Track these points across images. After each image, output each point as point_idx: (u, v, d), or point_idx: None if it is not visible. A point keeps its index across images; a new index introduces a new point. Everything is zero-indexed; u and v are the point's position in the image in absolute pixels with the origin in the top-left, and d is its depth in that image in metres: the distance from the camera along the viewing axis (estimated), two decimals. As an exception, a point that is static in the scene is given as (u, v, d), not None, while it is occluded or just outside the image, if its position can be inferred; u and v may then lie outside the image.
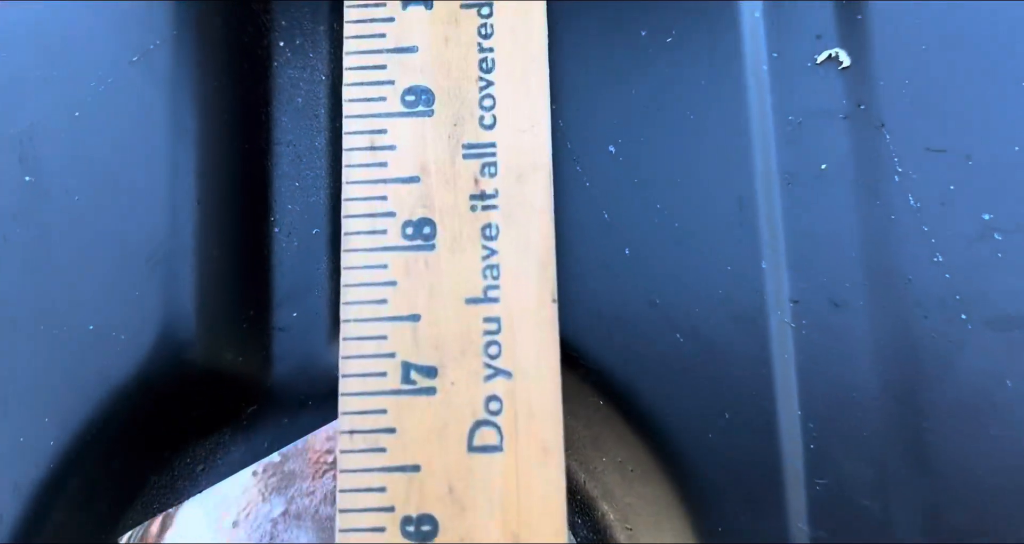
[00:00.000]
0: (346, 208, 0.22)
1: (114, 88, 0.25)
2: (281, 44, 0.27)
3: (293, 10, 0.27)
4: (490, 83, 0.23)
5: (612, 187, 0.24)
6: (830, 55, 0.24)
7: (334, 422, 0.23)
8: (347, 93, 0.23)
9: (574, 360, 0.23)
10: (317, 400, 0.25)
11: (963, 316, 0.23)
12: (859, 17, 0.24)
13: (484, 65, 0.23)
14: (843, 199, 0.23)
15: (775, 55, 0.24)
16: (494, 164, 0.22)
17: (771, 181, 0.24)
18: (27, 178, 0.24)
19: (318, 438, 0.23)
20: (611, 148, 0.24)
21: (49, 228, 0.24)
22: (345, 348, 0.21)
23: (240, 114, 0.26)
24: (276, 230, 0.26)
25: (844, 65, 0.24)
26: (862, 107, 0.24)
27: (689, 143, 0.24)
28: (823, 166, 0.24)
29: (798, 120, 0.24)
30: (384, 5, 0.23)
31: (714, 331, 0.23)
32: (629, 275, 0.23)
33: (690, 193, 0.24)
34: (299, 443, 0.23)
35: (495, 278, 0.21)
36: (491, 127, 0.22)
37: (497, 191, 0.22)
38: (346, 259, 0.22)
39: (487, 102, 0.22)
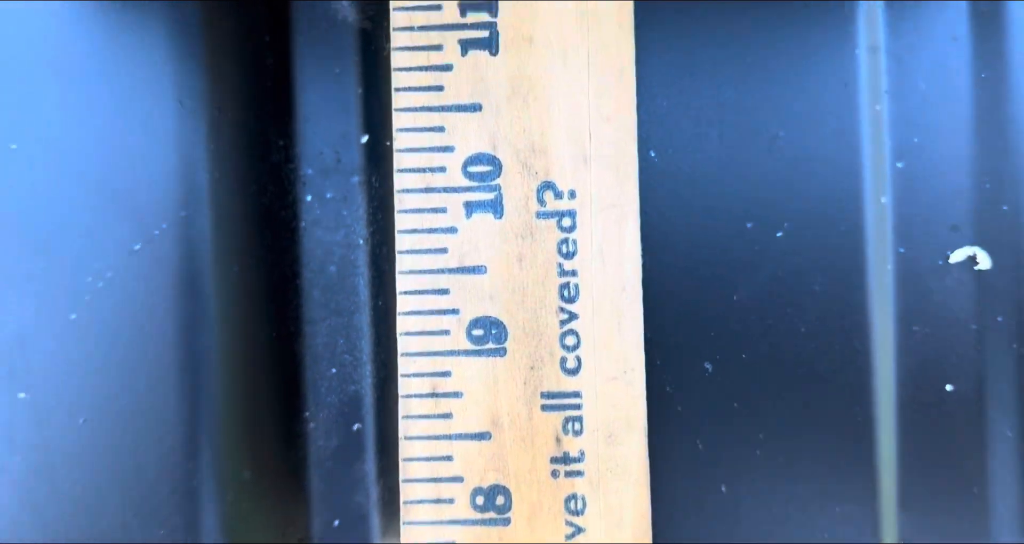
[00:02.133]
0: (404, 471, 0.19)
1: (114, 284, 0.21)
2: (308, 198, 0.22)
3: (320, 154, 0.22)
4: (573, 316, 0.19)
5: (707, 412, 0.21)
6: (968, 254, 0.20)
7: None
8: (402, 324, 0.19)
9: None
10: (365, 616, 0.23)
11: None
12: (1004, 208, 0.20)
13: (566, 293, 0.19)
14: (968, 428, 0.21)
15: (902, 250, 0.21)
16: (579, 419, 0.19)
17: (890, 405, 0.21)
18: (21, 395, 0.21)
19: None
20: (707, 366, 0.21)
21: (51, 454, 0.21)
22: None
23: (267, 297, 0.22)
24: (311, 427, 0.23)
25: (982, 267, 0.20)
26: (999, 320, 0.20)
27: (795, 360, 0.21)
28: (948, 387, 0.21)
29: (924, 331, 0.20)
30: (444, 210, 0.19)
31: (819, 582, 0.20)
32: (726, 518, 0.21)
33: (798, 419, 0.21)
34: None
35: (583, 562, 0.19)
36: (575, 372, 0.19)
37: (583, 454, 0.19)
38: (406, 534, 0.19)
39: (570, 340, 0.19)
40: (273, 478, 0.23)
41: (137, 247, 0.21)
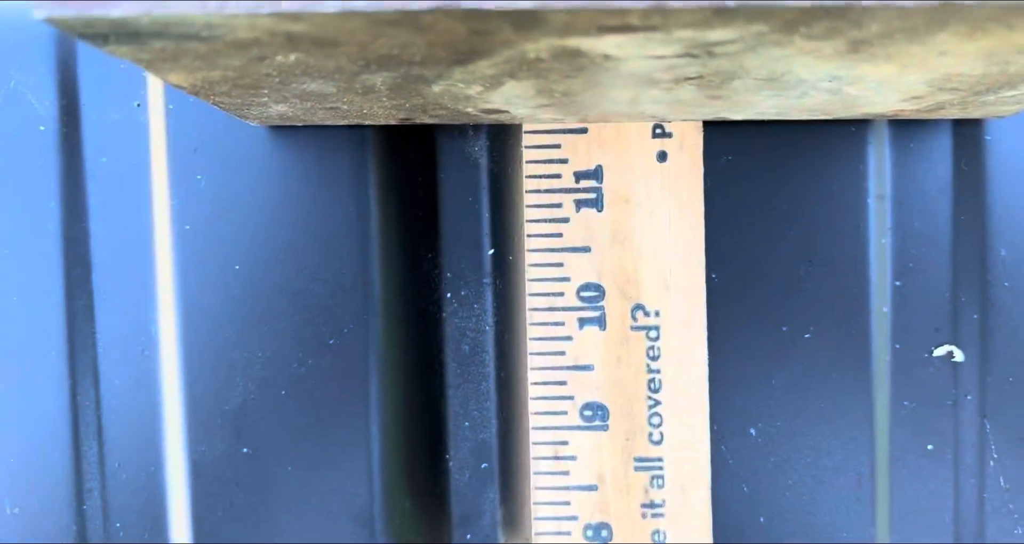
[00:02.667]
0: (535, 510, 0.26)
1: (313, 369, 0.28)
2: (448, 296, 0.30)
3: (458, 262, 0.30)
4: (658, 402, 0.26)
5: (751, 465, 0.28)
6: (947, 350, 0.28)
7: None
8: (533, 407, 0.27)
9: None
10: (489, 603, 0.31)
11: (1034, 578, 0.28)
12: (975, 316, 0.28)
13: (652, 385, 0.26)
14: (944, 477, 0.28)
15: (897, 346, 0.28)
16: (661, 477, 0.26)
17: (886, 458, 0.28)
18: (245, 450, 0.28)
19: None
20: (752, 431, 0.28)
21: (267, 494, 0.29)
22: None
23: (420, 369, 0.29)
24: (452, 465, 0.30)
25: (957, 360, 0.28)
26: (968, 398, 0.28)
27: (819, 428, 0.28)
28: (929, 447, 0.28)
29: (912, 405, 0.28)
30: (563, 324, 0.26)
31: (830, 587, 0.28)
32: (763, 541, 0.28)
33: (818, 472, 0.28)
34: None
35: (663, 577, 0.26)
36: (659, 443, 0.27)
37: (664, 501, 0.26)
38: (537, 558, 0.27)
39: (655, 419, 0.26)
40: (426, 503, 0.30)
41: (332, 342, 0.29)
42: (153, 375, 0.28)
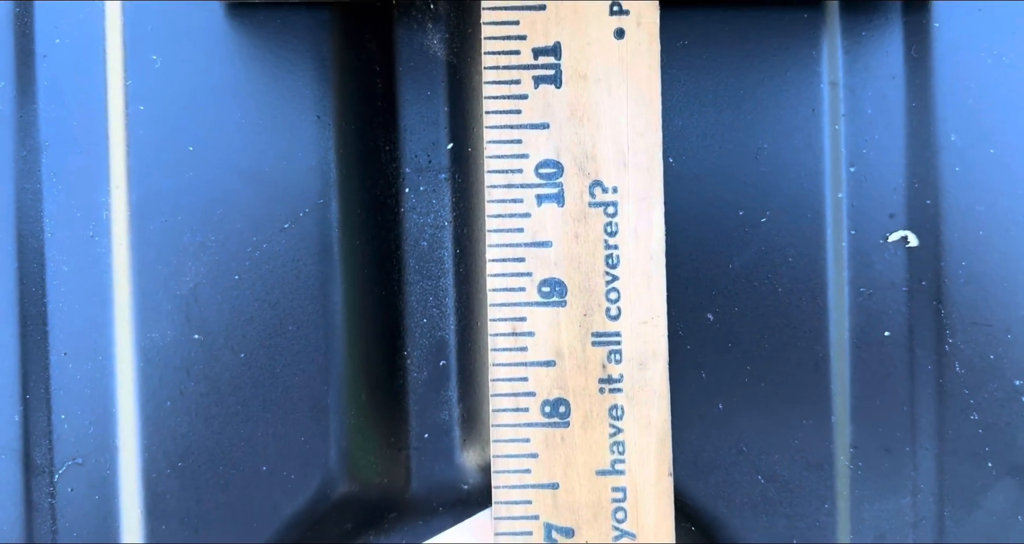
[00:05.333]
0: (493, 387, 0.26)
1: (268, 254, 0.28)
2: (407, 190, 0.30)
3: (416, 157, 0.30)
4: (615, 278, 0.26)
5: (709, 350, 0.28)
6: (901, 235, 0.28)
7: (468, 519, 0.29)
8: (491, 283, 0.26)
9: (676, 499, 0.28)
10: (447, 506, 0.30)
11: (989, 464, 0.28)
12: (928, 202, 0.28)
13: (610, 261, 0.26)
14: (901, 363, 0.28)
15: (853, 232, 0.28)
16: (619, 352, 0.26)
17: (843, 345, 0.28)
18: (196, 336, 0.28)
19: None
20: (709, 316, 0.28)
21: (219, 382, 0.28)
22: (496, 510, 0.26)
23: (377, 264, 0.29)
24: (409, 362, 0.30)
25: (912, 245, 0.28)
26: (923, 283, 0.28)
27: (775, 312, 0.28)
28: (887, 333, 0.28)
29: (869, 291, 0.28)
30: (522, 201, 0.26)
31: (790, 474, 0.28)
32: (721, 426, 0.28)
33: (775, 355, 0.28)
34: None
35: (621, 453, 0.26)
36: (616, 318, 0.26)
37: (622, 376, 0.26)
38: (495, 433, 0.26)
39: (612, 295, 0.26)
40: (382, 400, 0.30)
41: (286, 226, 0.28)
42: (103, 260, 0.28)
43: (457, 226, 0.29)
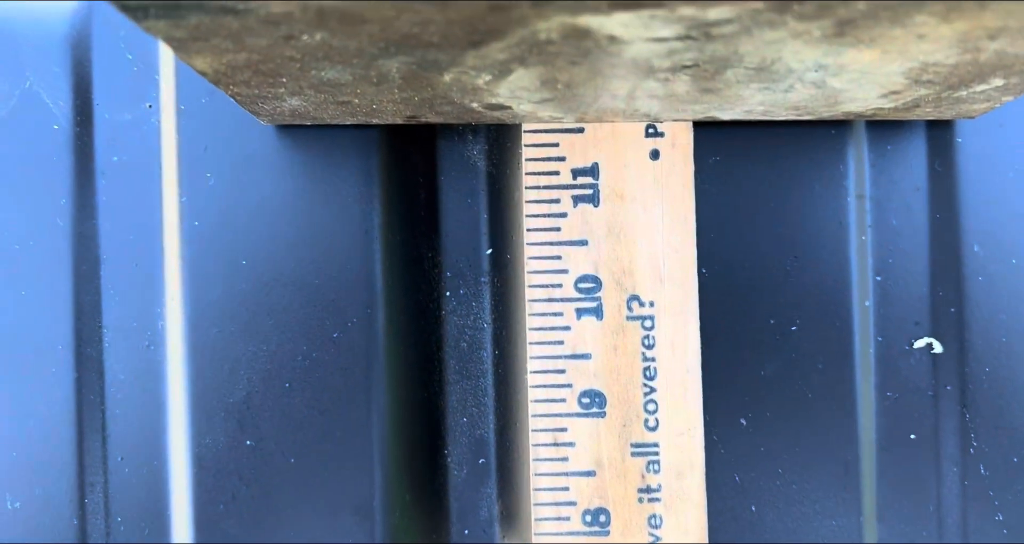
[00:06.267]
0: (535, 497, 0.27)
1: (317, 362, 0.29)
2: (447, 294, 0.31)
3: (457, 262, 0.31)
4: (653, 389, 0.27)
5: (742, 454, 0.29)
6: (926, 342, 0.29)
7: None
8: (532, 394, 0.27)
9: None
10: (486, 599, 0.31)
11: (1015, 563, 0.29)
12: (952, 310, 0.29)
13: (647, 373, 0.27)
14: (927, 465, 0.29)
15: (879, 339, 0.29)
16: (657, 462, 0.27)
17: (871, 448, 0.29)
18: (248, 442, 0.29)
19: None
20: (743, 421, 0.29)
21: (270, 486, 0.29)
22: (540, 615, 0.27)
23: (420, 366, 0.30)
24: (449, 460, 0.31)
25: (936, 351, 0.29)
26: (948, 388, 0.29)
27: (806, 416, 0.29)
28: (912, 436, 0.29)
29: (895, 396, 0.29)
30: (562, 314, 0.27)
31: (820, 574, 0.29)
32: (754, 527, 0.29)
33: (805, 458, 0.29)
34: None
35: (660, 560, 0.27)
36: (654, 429, 0.27)
37: (660, 486, 0.27)
38: (537, 541, 0.27)
39: (651, 406, 0.27)
40: (423, 498, 0.31)
41: (335, 335, 0.29)
42: (158, 369, 0.29)
43: (496, 328, 0.31)
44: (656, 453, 0.27)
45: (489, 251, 0.30)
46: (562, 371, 0.27)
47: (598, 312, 0.27)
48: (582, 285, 0.27)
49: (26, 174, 0.29)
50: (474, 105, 0.25)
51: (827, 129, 0.29)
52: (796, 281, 0.29)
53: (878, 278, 0.29)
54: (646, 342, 0.27)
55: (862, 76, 0.22)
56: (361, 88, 0.23)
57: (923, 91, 0.24)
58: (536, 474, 0.27)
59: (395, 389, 0.29)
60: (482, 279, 0.30)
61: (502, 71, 0.22)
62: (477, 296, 0.31)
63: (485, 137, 0.30)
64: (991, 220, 0.29)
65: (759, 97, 0.24)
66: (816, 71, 0.22)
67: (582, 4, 0.17)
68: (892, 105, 0.25)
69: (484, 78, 0.22)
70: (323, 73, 0.22)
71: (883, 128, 0.29)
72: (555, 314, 0.27)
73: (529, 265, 0.27)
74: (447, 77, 0.22)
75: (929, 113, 0.26)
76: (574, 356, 0.27)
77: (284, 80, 0.23)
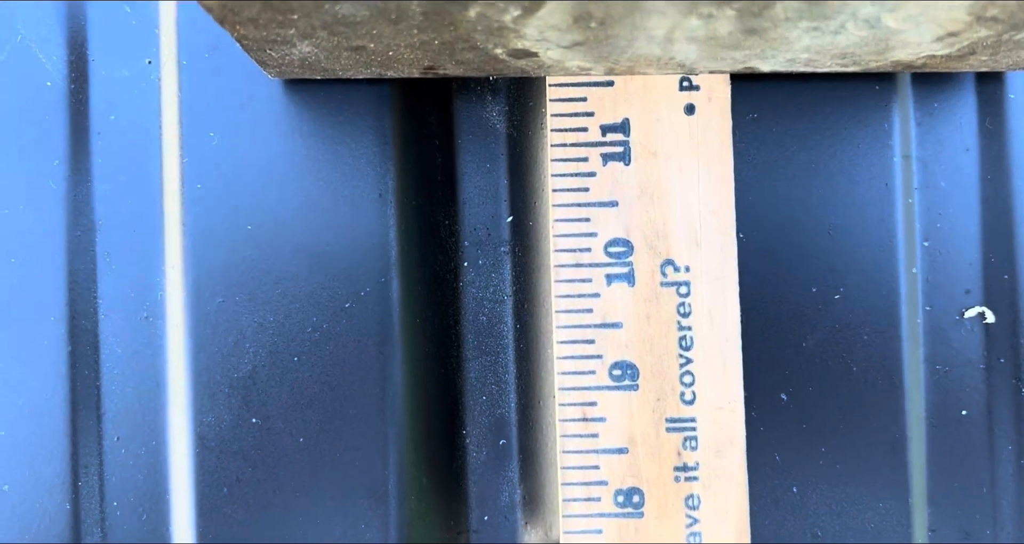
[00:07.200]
0: (563, 476, 0.25)
1: (328, 335, 0.27)
2: (466, 264, 0.29)
3: (475, 230, 0.29)
4: (689, 360, 0.25)
5: (783, 432, 0.27)
6: (978, 311, 0.27)
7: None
8: (559, 366, 0.25)
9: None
10: (507, 590, 0.29)
11: (1075, 548, 0.27)
12: (1005, 277, 0.27)
13: (684, 343, 0.26)
14: (980, 443, 0.27)
15: (928, 308, 0.27)
16: (695, 438, 0.25)
17: (920, 425, 0.27)
18: (253, 420, 0.27)
19: None
20: (783, 396, 0.27)
21: (277, 468, 0.27)
22: (569, 604, 0.25)
23: (436, 340, 0.28)
24: (468, 441, 0.29)
25: (988, 321, 0.27)
26: (1001, 361, 0.27)
27: (850, 391, 0.27)
28: (964, 412, 0.27)
29: (945, 369, 0.27)
30: (590, 280, 0.26)
31: (867, 561, 0.27)
32: (796, 511, 0.27)
33: (850, 436, 0.27)
34: None
35: (698, 544, 0.25)
36: (691, 403, 0.25)
37: (698, 464, 0.25)
38: (565, 524, 0.25)
39: (687, 378, 0.25)
40: (441, 482, 0.29)
41: (347, 305, 0.28)
42: (157, 342, 0.27)
43: (517, 300, 0.29)
44: (693, 429, 0.25)
45: (510, 218, 0.28)
46: (591, 341, 0.25)
47: (630, 278, 0.25)
48: (612, 249, 0.25)
49: (17, 135, 0.27)
50: (498, 51, 0.23)
51: (871, 84, 0.27)
52: (839, 247, 0.27)
53: (926, 243, 0.27)
54: (681, 310, 0.25)
55: (921, 13, 0.21)
56: (378, 28, 0.21)
57: (983, 32, 0.22)
58: (564, 451, 0.25)
59: (410, 364, 0.27)
60: (502, 249, 0.29)
61: (531, 5, 0.20)
62: (497, 267, 0.29)
63: (505, 97, 0.28)
64: (1046, 181, 0.27)
65: (806, 40, 0.22)
66: (873, 3, 0.20)
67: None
68: (946, 51, 0.23)
69: (512, 13, 0.20)
70: (338, 7, 0.20)
71: (930, 83, 0.27)
72: (583, 280, 0.25)
73: (555, 228, 0.25)
74: (472, 12, 0.20)
75: (984, 62, 0.24)
76: (604, 325, 0.25)
77: (295, 18, 0.21)
